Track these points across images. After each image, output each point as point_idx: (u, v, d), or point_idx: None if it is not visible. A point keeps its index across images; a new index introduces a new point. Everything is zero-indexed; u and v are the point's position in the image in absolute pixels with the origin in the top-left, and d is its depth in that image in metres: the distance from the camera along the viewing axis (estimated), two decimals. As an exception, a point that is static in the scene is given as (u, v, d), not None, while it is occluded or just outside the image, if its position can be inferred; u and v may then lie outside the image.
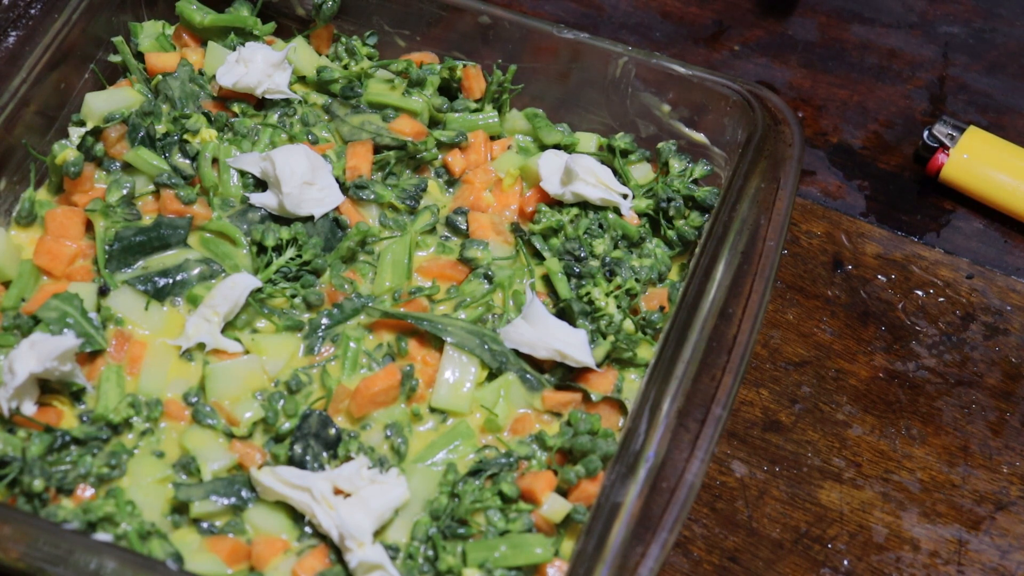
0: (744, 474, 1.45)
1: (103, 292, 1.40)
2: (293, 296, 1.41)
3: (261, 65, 1.50)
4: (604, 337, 1.39)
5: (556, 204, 1.48)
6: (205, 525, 1.28)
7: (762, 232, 1.37)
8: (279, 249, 1.42)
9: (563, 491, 1.30)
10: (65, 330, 1.34)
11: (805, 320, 1.56)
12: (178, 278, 1.41)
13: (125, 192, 1.45)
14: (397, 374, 1.35)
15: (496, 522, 1.28)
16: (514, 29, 1.53)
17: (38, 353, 1.29)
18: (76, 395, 1.34)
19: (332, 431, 1.31)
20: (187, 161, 1.48)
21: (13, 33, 1.47)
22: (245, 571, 1.27)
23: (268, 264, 1.42)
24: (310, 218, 1.44)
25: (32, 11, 1.48)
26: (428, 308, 1.42)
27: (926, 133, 1.67)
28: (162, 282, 1.41)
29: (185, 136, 1.48)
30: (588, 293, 1.41)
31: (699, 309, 1.32)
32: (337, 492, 1.27)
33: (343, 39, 1.58)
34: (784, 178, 1.40)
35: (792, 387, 1.51)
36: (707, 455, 1.24)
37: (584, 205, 1.48)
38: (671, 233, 1.47)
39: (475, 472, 1.31)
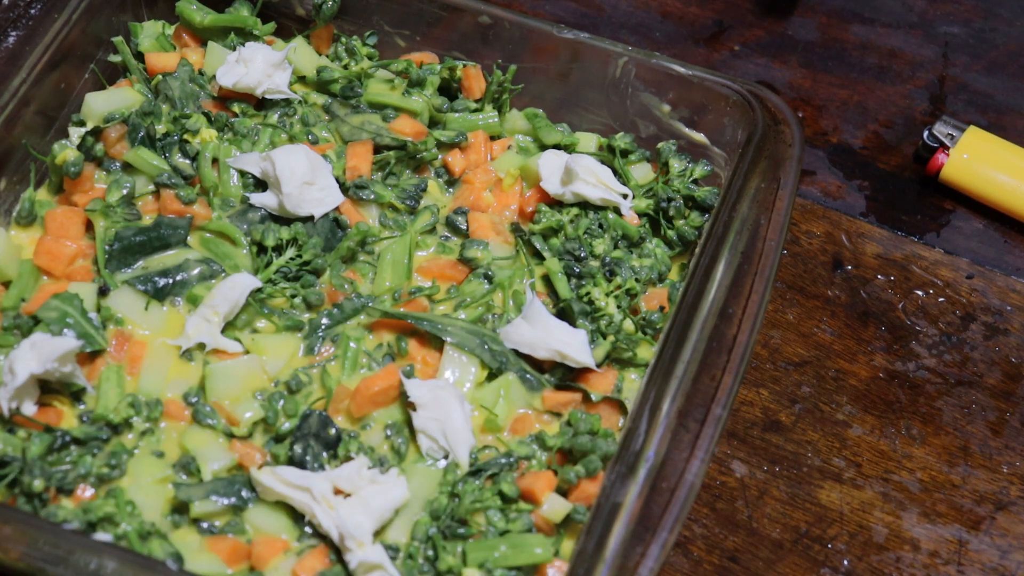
0: (744, 474, 1.45)
1: (103, 292, 1.40)
2: (293, 296, 1.41)
3: (261, 65, 1.50)
4: (604, 337, 1.39)
5: (556, 204, 1.48)
6: (205, 525, 1.28)
7: (762, 232, 1.37)
8: (279, 249, 1.42)
9: (563, 491, 1.30)
10: (65, 330, 1.34)
11: (805, 320, 1.56)
12: (178, 278, 1.41)
13: (125, 192, 1.45)
14: (397, 374, 1.35)
15: (496, 522, 1.28)
16: (514, 29, 1.53)
17: (39, 354, 1.29)
18: (76, 395, 1.34)
19: (332, 431, 1.31)
20: (187, 161, 1.48)
21: (13, 33, 1.47)
22: (245, 571, 1.27)
23: (268, 264, 1.42)
24: (310, 218, 1.44)
25: (32, 11, 1.48)
26: (428, 308, 1.43)
27: (926, 133, 1.67)
28: (162, 282, 1.41)
29: (185, 136, 1.48)
30: (588, 293, 1.41)
31: (699, 309, 1.32)
32: (337, 492, 1.28)
33: (343, 39, 1.58)
34: (784, 178, 1.41)
35: (792, 387, 1.51)
36: (707, 455, 1.24)
37: (584, 205, 1.48)
38: (671, 233, 1.47)
39: (475, 472, 1.31)
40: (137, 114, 1.48)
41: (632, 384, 1.39)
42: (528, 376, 1.37)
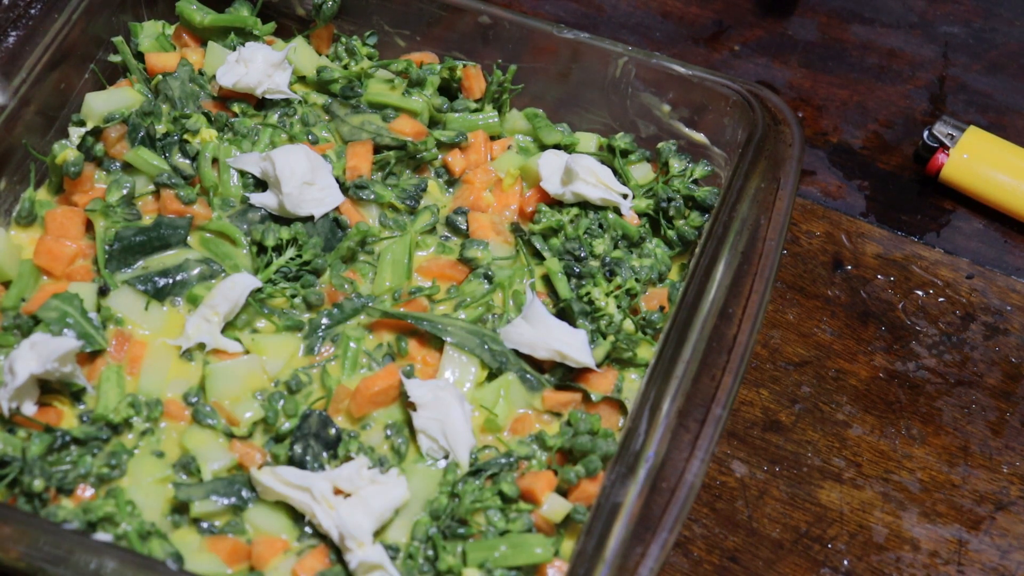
0: (744, 474, 1.45)
1: (103, 292, 1.40)
2: (293, 296, 1.41)
3: (261, 65, 1.50)
4: (604, 337, 1.39)
5: (556, 204, 1.49)
6: (205, 525, 1.28)
7: (762, 232, 1.37)
8: (279, 249, 1.42)
9: (563, 491, 1.30)
10: (65, 330, 1.34)
11: (805, 320, 1.56)
12: (178, 278, 1.42)
13: (125, 192, 1.45)
14: (397, 374, 1.35)
15: (496, 522, 1.28)
16: (514, 29, 1.53)
17: (39, 354, 1.29)
18: (76, 395, 1.34)
19: (332, 431, 1.31)
20: (187, 161, 1.48)
21: (13, 33, 1.47)
22: (245, 571, 1.27)
23: (268, 264, 1.42)
24: (310, 218, 1.44)
25: (32, 11, 1.48)
26: (428, 308, 1.43)
27: (926, 133, 1.67)
28: (162, 282, 1.41)
29: (185, 136, 1.48)
30: (588, 293, 1.41)
31: (699, 309, 1.32)
32: (337, 492, 1.28)
33: (343, 39, 1.58)
34: (784, 178, 1.41)
35: (792, 387, 1.51)
36: (707, 455, 1.24)
37: (584, 205, 1.48)
38: (671, 233, 1.47)
39: (475, 472, 1.31)
40: (137, 114, 1.48)
41: (632, 384, 1.39)
42: (528, 376, 1.37)
